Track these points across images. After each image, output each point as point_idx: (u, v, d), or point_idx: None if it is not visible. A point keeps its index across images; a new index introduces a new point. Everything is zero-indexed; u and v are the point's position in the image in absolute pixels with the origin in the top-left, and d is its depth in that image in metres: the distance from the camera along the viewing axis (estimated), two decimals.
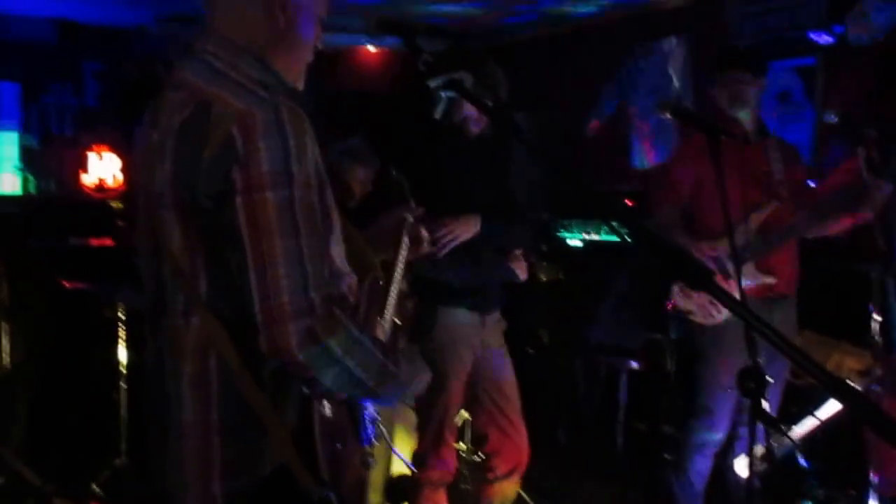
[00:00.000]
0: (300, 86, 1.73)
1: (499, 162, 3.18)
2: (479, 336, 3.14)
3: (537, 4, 5.71)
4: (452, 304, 3.09)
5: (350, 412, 1.77)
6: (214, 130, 1.49)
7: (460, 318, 3.09)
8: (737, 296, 2.43)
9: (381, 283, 1.91)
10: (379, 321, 1.97)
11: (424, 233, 2.39)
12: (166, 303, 1.61)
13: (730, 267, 3.21)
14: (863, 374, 3.53)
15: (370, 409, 1.86)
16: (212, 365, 1.56)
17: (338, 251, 1.67)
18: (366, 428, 1.85)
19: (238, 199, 1.47)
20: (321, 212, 1.57)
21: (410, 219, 2.36)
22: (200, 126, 1.51)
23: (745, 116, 3.37)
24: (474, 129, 3.01)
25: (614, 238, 4.78)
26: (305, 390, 1.57)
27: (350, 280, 1.70)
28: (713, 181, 2.45)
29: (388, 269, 2.30)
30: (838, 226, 3.32)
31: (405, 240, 2.34)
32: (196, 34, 1.66)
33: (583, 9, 5.79)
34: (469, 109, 2.94)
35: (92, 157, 6.34)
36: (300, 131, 1.51)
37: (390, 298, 2.17)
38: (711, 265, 3.28)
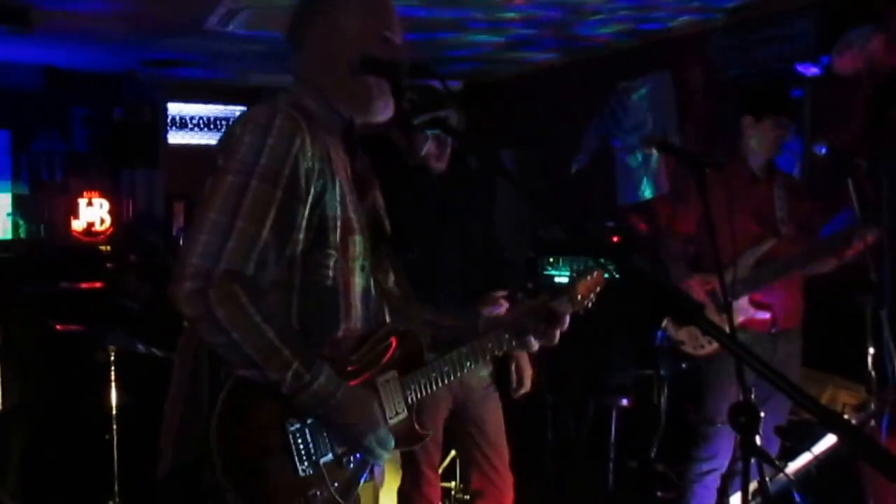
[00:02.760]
0: (367, 116, 1.86)
1: (481, 200, 3.17)
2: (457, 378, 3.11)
3: (517, 46, 5.78)
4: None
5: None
6: (229, 129, 1.72)
7: None
8: (727, 329, 2.42)
9: (418, 345, 1.90)
10: (394, 375, 1.84)
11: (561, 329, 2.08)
12: None
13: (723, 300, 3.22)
14: (857, 408, 3.52)
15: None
16: (190, 344, 1.73)
17: (352, 276, 1.77)
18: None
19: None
20: (298, 212, 1.69)
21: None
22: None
23: (754, 156, 3.44)
24: (437, 167, 2.98)
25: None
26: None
27: (347, 309, 1.76)
28: (718, 215, 2.46)
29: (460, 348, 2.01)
30: (824, 266, 3.37)
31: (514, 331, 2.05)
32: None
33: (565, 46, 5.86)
34: (432, 146, 2.92)
35: (81, 202, 6.38)
36: (286, 136, 1.67)
37: (434, 374, 1.92)
38: (704, 298, 3.31)
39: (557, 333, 2.08)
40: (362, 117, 1.87)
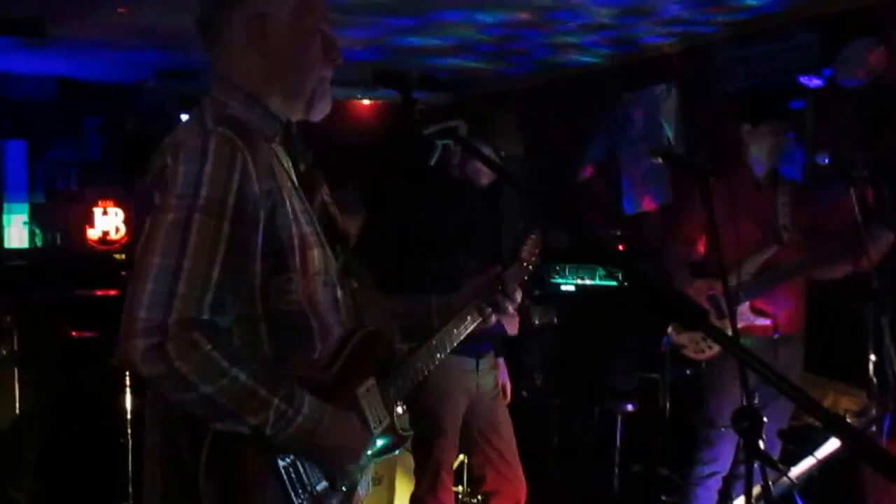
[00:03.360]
0: (312, 111, 1.73)
1: (490, 209, 3.25)
2: (473, 380, 3.17)
3: (530, 55, 5.84)
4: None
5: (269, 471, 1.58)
6: (157, 160, 1.55)
7: (454, 363, 3.03)
8: (731, 333, 2.47)
9: (387, 343, 1.81)
10: (373, 382, 1.74)
11: (513, 302, 2.07)
12: None
13: (725, 306, 3.27)
14: (858, 413, 3.55)
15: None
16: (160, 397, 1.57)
17: (315, 291, 1.64)
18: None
19: (148, 219, 1.50)
20: (250, 241, 1.54)
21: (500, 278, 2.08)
22: (153, 160, 1.58)
23: (757, 163, 3.51)
24: (481, 182, 3.07)
25: (606, 283, 4.86)
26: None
27: (320, 325, 1.65)
28: (719, 222, 2.52)
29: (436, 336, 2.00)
30: (837, 271, 3.41)
31: (478, 303, 2.04)
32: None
33: (575, 58, 5.91)
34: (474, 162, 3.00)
35: (96, 211, 6.46)
36: (224, 159, 1.51)
37: (411, 371, 1.89)
38: (706, 303, 3.37)
39: (511, 306, 2.05)
40: (305, 114, 1.73)
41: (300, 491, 1.57)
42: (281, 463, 1.55)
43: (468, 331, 2.02)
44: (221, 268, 1.49)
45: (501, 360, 3.39)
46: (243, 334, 1.57)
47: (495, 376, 3.29)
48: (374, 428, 1.72)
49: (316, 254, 1.65)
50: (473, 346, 3.11)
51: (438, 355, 1.96)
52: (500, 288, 2.03)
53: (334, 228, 1.80)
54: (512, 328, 3.21)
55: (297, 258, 1.61)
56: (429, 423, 3.07)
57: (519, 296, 2.06)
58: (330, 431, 1.57)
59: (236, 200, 1.51)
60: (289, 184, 1.64)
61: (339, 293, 1.71)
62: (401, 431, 1.83)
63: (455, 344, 2.01)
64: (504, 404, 3.30)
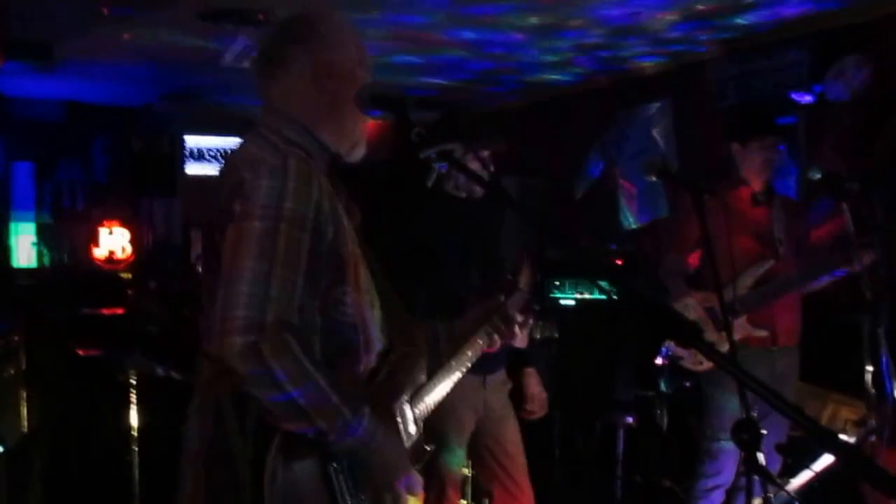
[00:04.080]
0: (354, 152, 1.86)
1: (490, 227, 3.26)
2: (480, 397, 3.14)
3: (521, 74, 5.91)
4: None
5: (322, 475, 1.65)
6: (231, 174, 1.65)
7: (461, 379, 3.10)
8: (728, 346, 2.50)
9: (416, 359, 1.92)
10: (406, 399, 1.85)
11: (519, 318, 2.21)
12: None
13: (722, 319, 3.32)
14: (858, 423, 3.58)
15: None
16: (212, 396, 1.65)
17: (362, 306, 1.74)
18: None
19: (230, 226, 1.59)
20: (322, 254, 1.64)
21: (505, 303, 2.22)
22: (224, 173, 1.70)
23: (752, 177, 3.54)
24: (478, 191, 3.08)
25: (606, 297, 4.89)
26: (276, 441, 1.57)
27: (365, 338, 1.74)
28: (715, 237, 2.56)
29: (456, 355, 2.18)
30: (823, 283, 3.47)
31: (486, 328, 2.21)
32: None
33: (567, 76, 5.99)
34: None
35: (102, 231, 6.53)
36: (304, 177, 1.62)
37: (438, 384, 2.03)
38: (703, 315, 3.41)
39: (518, 330, 2.20)
40: (348, 153, 1.85)
41: (347, 497, 1.63)
42: (333, 468, 1.62)
43: (478, 355, 2.19)
44: (304, 277, 1.59)
45: (532, 370, 3.31)
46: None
47: (506, 393, 3.25)
48: (406, 441, 1.84)
49: (363, 272, 1.76)
50: (480, 363, 3.11)
51: (455, 377, 2.10)
52: (504, 317, 2.19)
53: (367, 255, 1.90)
54: (520, 341, 3.13)
55: (352, 274, 1.72)
56: (434, 439, 3.08)
57: (523, 319, 2.20)
58: (382, 445, 1.66)
59: (314, 215, 1.62)
60: (340, 207, 1.74)
61: (378, 311, 1.81)
62: (425, 447, 1.93)
63: (468, 367, 2.17)
64: (514, 419, 3.24)
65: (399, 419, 1.81)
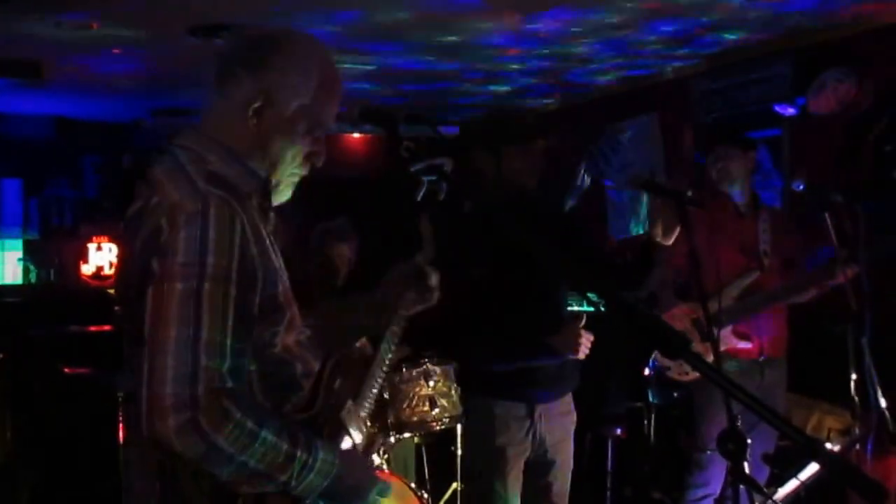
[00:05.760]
0: (279, 192, 1.71)
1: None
2: (525, 430, 2.81)
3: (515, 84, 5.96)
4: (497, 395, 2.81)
5: None
6: (148, 220, 1.51)
7: (510, 410, 2.79)
8: (713, 357, 2.52)
9: (356, 358, 1.87)
10: (351, 403, 1.77)
11: (434, 280, 2.10)
12: None
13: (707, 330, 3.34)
14: (842, 433, 3.61)
15: None
16: (158, 457, 1.54)
17: (291, 337, 1.65)
18: None
19: (150, 289, 1.46)
20: (253, 304, 1.53)
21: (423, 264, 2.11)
22: (140, 216, 1.54)
23: (735, 190, 3.57)
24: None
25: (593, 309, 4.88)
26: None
27: (303, 366, 1.66)
28: (700, 249, 2.58)
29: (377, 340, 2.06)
30: (812, 294, 3.49)
31: (407, 295, 2.09)
32: (177, 130, 1.71)
33: (561, 91, 6.04)
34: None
35: (90, 247, 6.51)
36: (225, 224, 1.49)
37: (374, 378, 1.95)
38: (689, 327, 3.43)
39: (432, 287, 2.07)
40: (275, 187, 1.71)
41: None
42: None
43: (404, 322, 2.06)
44: (233, 335, 1.48)
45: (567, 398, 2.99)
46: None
47: (571, 425, 2.96)
48: (358, 443, 1.77)
49: (295, 306, 1.67)
50: (527, 389, 2.81)
51: (388, 356, 1.99)
52: (419, 274, 2.07)
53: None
54: (578, 352, 2.81)
55: (290, 311, 1.64)
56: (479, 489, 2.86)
57: (434, 275, 2.09)
58: (345, 467, 1.59)
59: (239, 265, 1.50)
60: (268, 240, 1.63)
61: (307, 332, 1.74)
62: (375, 435, 1.88)
63: (397, 342, 2.04)
64: (566, 467, 2.93)
65: (348, 425, 1.73)
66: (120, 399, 4.08)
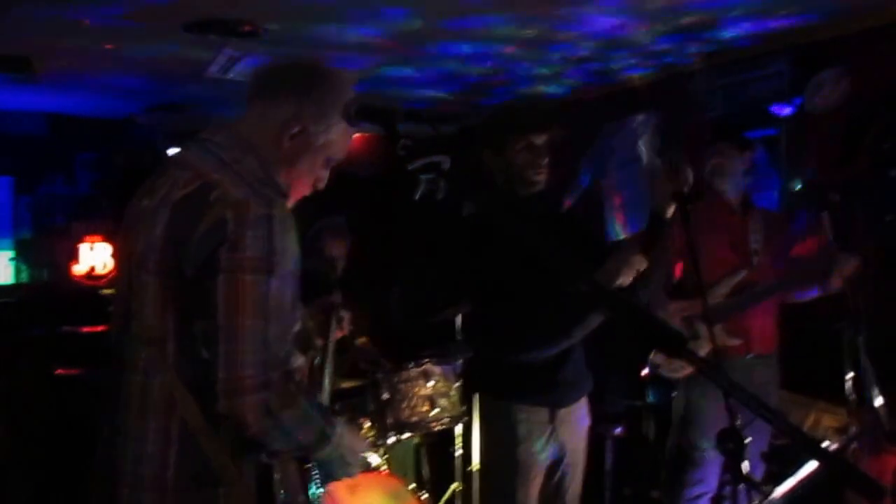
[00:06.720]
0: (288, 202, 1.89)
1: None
2: (552, 432, 2.82)
3: (511, 86, 5.94)
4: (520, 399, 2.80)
5: (301, 473, 1.93)
6: (210, 210, 1.67)
7: (532, 416, 2.80)
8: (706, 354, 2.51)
9: (316, 360, 2.20)
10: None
11: (345, 315, 2.57)
12: (125, 361, 1.76)
13: (700, 328, 3.35)
14: (839, 431, 3.61)
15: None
16: (174, 423, 1.70)
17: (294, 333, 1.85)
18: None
19: (221, 276, 1.64)
20: (291, 303, 1.74)
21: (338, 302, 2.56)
22: (199, 204, 1.69)
23: (730, 188, 3.56)
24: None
25: None
26: (264, 458, 1.76)
27: (300, 360, 1.89)
28: (697, 247, 2.58)
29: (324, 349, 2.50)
30: (807, 295, 3.51)
31: (333, 322, 2.53)
32: (209, 125, 1.87)
33: (554, 89, 6.02)
34: None
35: (83, 247, 6.46)
36: (286, 230, 1.70)
37: (326, 373, 2.31)
38: (680, 325, 3.43)
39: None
40: (290, 197, 1.91)
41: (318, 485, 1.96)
42: (308, 465, 1.93)
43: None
44: (288, 325, 1.73)
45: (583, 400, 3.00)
46: None
47: (585, 430, 2.96)
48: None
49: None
50: (549, 394, 2.81)
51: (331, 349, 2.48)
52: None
53: None
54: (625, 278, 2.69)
55: (299, 307, 1.84)
56: (497, 491, 2.84)
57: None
58: (348, 438, 1.86)
59: (294, 265, 1.73)
60: None
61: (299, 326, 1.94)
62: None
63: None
64: (581, 470, 2.95)
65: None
66: None
